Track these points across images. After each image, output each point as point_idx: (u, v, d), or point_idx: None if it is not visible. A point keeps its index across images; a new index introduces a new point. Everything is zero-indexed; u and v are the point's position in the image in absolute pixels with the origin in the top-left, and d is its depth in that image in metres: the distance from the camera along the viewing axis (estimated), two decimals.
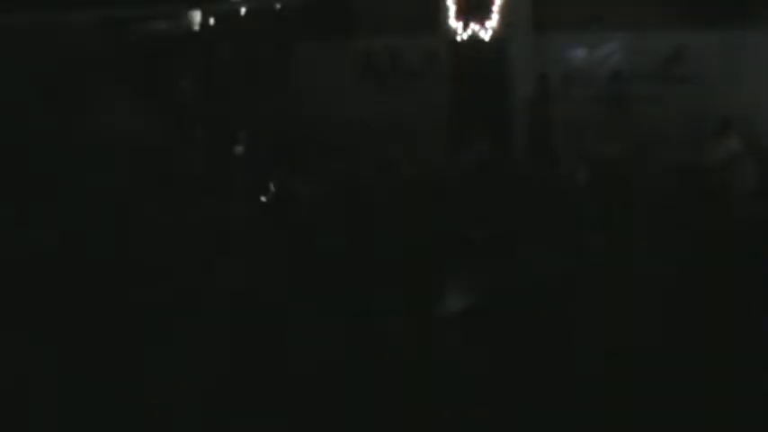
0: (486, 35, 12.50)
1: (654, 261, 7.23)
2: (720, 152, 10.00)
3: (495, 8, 12.43)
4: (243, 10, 13.65)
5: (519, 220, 8.52)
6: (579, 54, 12.11)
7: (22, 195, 9.38)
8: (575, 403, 5.23)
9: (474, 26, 12.56)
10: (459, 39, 12.69)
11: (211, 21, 13.94)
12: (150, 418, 5.22)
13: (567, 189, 9.76)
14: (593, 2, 11.86)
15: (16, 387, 5.41)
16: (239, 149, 11.44)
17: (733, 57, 10.88)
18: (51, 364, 5.61)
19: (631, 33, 11.65)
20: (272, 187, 9.90)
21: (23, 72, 11.67)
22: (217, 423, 5.25)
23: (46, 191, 9.55)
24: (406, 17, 12.97)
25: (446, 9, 12.72)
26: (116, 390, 5.40)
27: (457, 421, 5.11)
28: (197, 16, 14.09)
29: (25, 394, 5.39)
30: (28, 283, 6.71)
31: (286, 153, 11.36)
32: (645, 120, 11.24)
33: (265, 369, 5.65)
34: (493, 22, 12.44)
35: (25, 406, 5.30)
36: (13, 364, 5.63)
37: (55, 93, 11.74)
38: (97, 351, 5.78)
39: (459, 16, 12.65)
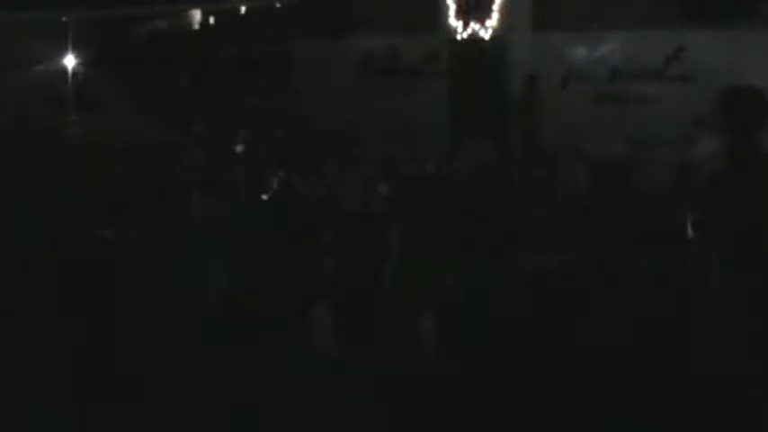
0: (486, 35, 12.50)
1: (654, 260, 7.22)
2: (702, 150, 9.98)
3: (495, 8, 12.43)
4: (243, 9, 13.67)
5: (519, 220, 8.51)
6: (579, 53, 12.10)
7: (23, 194, 9.38)
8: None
9: (474, 26, 12.56)
10: (459, 38, 12.69)
11: (211, 20, 13.96)
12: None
13: (566, 189, 9.74)
14: (593, 1, 11.85)
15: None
16: (239, 148, 11.44)
17: (733, 56, 10.87)
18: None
19: (631, 33, 11.64)
20: (272, 186, 9.88)
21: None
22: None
23: (46, 189, 9.54)
24: (406, 17, 12.98)
25: (446, 9, 12.72)
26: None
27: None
28: (197, 16, 14.11)
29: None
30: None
31: (285, 152, 11.35)
32: (645, 119, 11.24)
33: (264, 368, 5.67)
34: (493, 21, 12.45)
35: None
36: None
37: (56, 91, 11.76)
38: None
39: (459, 16, 12.66)
